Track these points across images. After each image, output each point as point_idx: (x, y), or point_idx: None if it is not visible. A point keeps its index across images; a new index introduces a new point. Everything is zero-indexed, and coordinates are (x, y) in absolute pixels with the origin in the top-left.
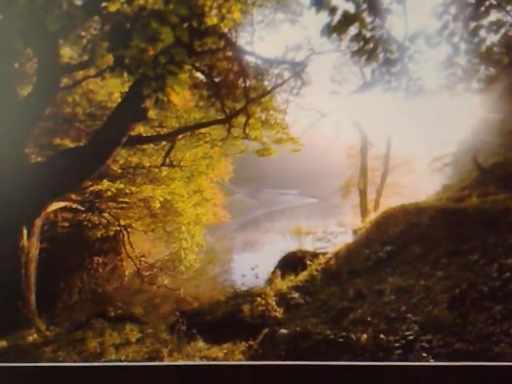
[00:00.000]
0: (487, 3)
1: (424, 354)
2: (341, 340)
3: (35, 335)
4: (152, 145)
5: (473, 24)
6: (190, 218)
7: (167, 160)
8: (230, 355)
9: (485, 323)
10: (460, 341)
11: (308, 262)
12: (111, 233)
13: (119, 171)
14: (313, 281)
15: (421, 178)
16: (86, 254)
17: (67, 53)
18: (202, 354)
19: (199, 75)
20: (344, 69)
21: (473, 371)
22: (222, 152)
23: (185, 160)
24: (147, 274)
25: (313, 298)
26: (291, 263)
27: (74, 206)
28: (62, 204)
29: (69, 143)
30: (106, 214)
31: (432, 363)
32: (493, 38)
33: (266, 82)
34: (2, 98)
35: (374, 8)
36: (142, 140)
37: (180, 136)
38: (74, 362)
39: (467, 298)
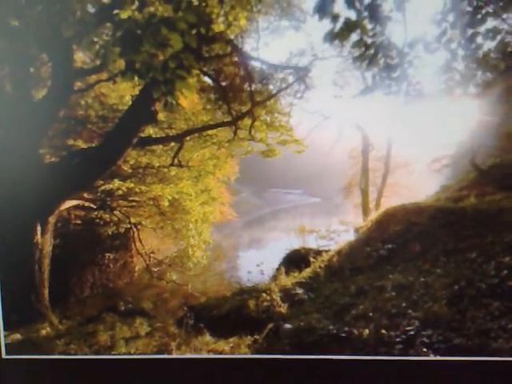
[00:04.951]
0: (484, 11)
1: (424, 349)
2: (343, 335)
3: (48, 328)
4: (161, 146)
5: (470, 31)
6: (197, 216)
7: (176, 160)
8: (236, 349)
9: (483, 319)
10: (459, 336)
11: (311, 260)
12: (122, 230)
13: (130, 171)
14: (316, 277)
15: (420, 178)
16: (97, 250)
17: (80, 58)
18: (209, 347)
19: (207, 79)
20: (346, 73)
21: (471, 366)
22: (229, 153)
23: (193, 160)
24: (156, 269)
25: (316, 293)
26: (295, 260)
27: (86, 204)
28: (74, 202)
29: (82, 144)
30: (116, 212)
31: (432, 358)
32: (489, 45)
33: (270, 86)
34: (18, 101)
35: (375, 15)
36: (151, 141)
37: (188, 137)
38: (86, 354)
39: (466, 294)
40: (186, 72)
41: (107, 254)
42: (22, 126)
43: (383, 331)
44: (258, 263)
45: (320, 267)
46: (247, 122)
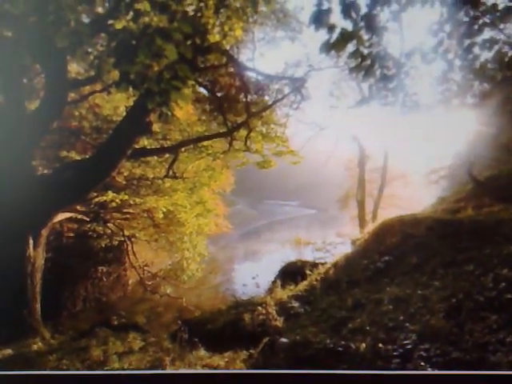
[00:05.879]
0: (480, 21)
1: (422, 363)
2: (340, 349)
3: (40, 343)
4: (156, 157)
5: (467, 41)
6: (192, 228)
7: (170, 172)
8: (231, 364)
9: (481, 332)
10: (457, 350)
11: (307, 272)
12: (115, 243)
13: (124, 183)
14: (312, 290)
15: (417, 190)
16: (90, 263)
17: (74, 68)
18: (203, 362)
19: (202, 90)
20: (342, 84)
21: (469, 380)
22: (224, 164)
23: (187, 172)
24: (150, 283)
25: (312, 307)
26: (291, 273)
27: (79, 216)
28: (67, 214)
29: (75, 156)
30: (110, 225)
31: (429, 372)
32: (486, 55)
33: (266, 97)
34: (11, 112)
35: (371, 26)
36: (146, 152)
37: (183, 149)
38: (78, 370)
39: (464, 307)
40: (181, 83)
41: (100, 268)
42: (15, 137)
43: (380, 345)
44: (253, 276)
45: (316, 280)
46: (243, 132)
